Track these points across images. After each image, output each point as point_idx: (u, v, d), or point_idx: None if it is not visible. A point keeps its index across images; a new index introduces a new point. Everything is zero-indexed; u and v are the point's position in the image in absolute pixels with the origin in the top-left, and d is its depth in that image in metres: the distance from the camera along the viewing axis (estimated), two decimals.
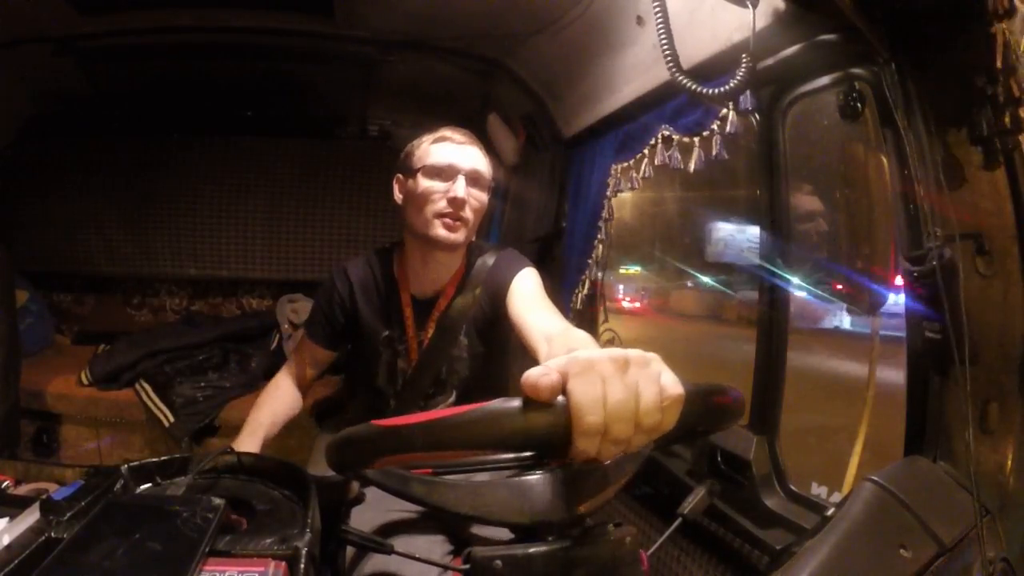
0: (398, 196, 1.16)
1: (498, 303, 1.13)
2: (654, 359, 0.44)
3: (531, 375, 0.42)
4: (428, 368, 1.16)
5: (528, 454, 0.46)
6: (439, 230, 1.07)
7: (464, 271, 1.17)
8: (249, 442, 1.09)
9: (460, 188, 1.06)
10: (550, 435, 0.42)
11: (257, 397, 1.18)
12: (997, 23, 0.62)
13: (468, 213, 1.08)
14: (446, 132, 1.12)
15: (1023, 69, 0.65)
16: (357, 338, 1.20)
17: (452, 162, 1.08)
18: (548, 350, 0.90)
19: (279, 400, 1.21)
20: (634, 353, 0.43)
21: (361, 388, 1.26)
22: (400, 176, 1.15)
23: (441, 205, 1.07)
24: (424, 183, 1.08)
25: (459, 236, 1.09)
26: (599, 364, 0.41)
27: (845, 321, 6.28)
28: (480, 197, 1.10)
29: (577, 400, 0.40)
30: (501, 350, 1.26)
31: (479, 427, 0.43)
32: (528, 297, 1.10)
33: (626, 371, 0.42)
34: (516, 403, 0.42)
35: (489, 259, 1.18)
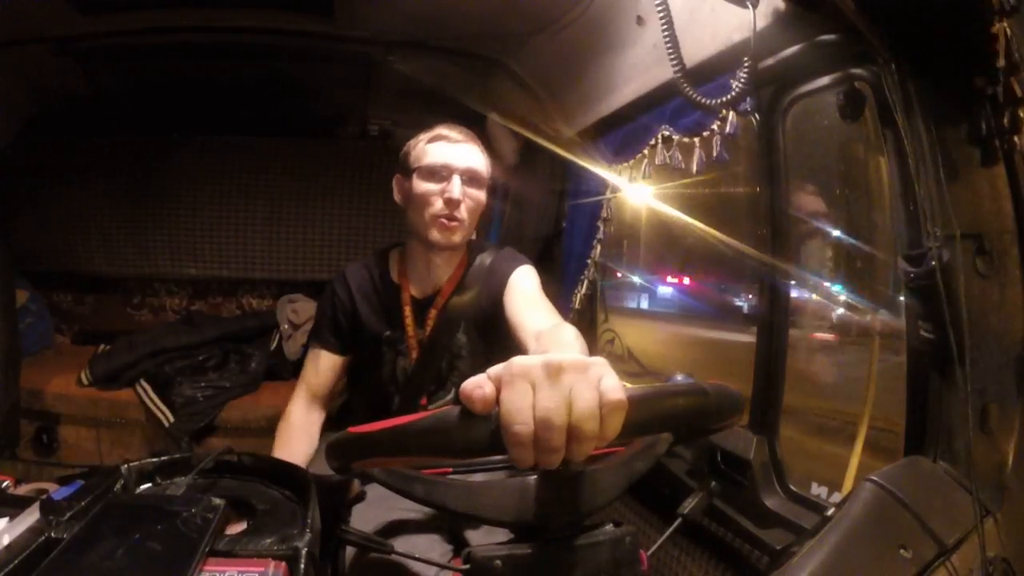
0: (397, 196, 1.16)
1: (496, 301, 1.13)
2: (595, 364, 0.42)
3: (466, 387, 0.41)
4: (428, 366, 1.17)
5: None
6: (435, 233, 1.08)
7: (463, 270, 1.18)
8: None
9: (455, 188, 1.05)
10: (490, 445, 0.41)
11: (257, 397, 1.17)
12: (998, 22, 0.62)
13: (464, 213, 1.08)
14: (442, 130, 1.11)
15: None
16: (360, 341, 1.20)
17: (447, 162, 1.07)
18: (536, 347, 0.90)
19: (292, 442, 1.16)
20: (571, 358, 0.41)
21: (365, 388, 1.27)
22: (399, 176, 1.16)
23: (438, 207, 1.07)
24: (420, 184, 1.08)
25: (456, 237, 1.09)
26: (531, 372, 0.40)
27: (643, 303, 8.79)
28: (477, 196, 1.10)
29: (506, 410, 0.40)
30: (501, 347, 1.25)
31: (427, 435, 0.44)
32: (523, 294, 1.10)
33: (559, 378, 0.40)
34: (455, 413, 0.42)
35: (487, 258, 1.18)
